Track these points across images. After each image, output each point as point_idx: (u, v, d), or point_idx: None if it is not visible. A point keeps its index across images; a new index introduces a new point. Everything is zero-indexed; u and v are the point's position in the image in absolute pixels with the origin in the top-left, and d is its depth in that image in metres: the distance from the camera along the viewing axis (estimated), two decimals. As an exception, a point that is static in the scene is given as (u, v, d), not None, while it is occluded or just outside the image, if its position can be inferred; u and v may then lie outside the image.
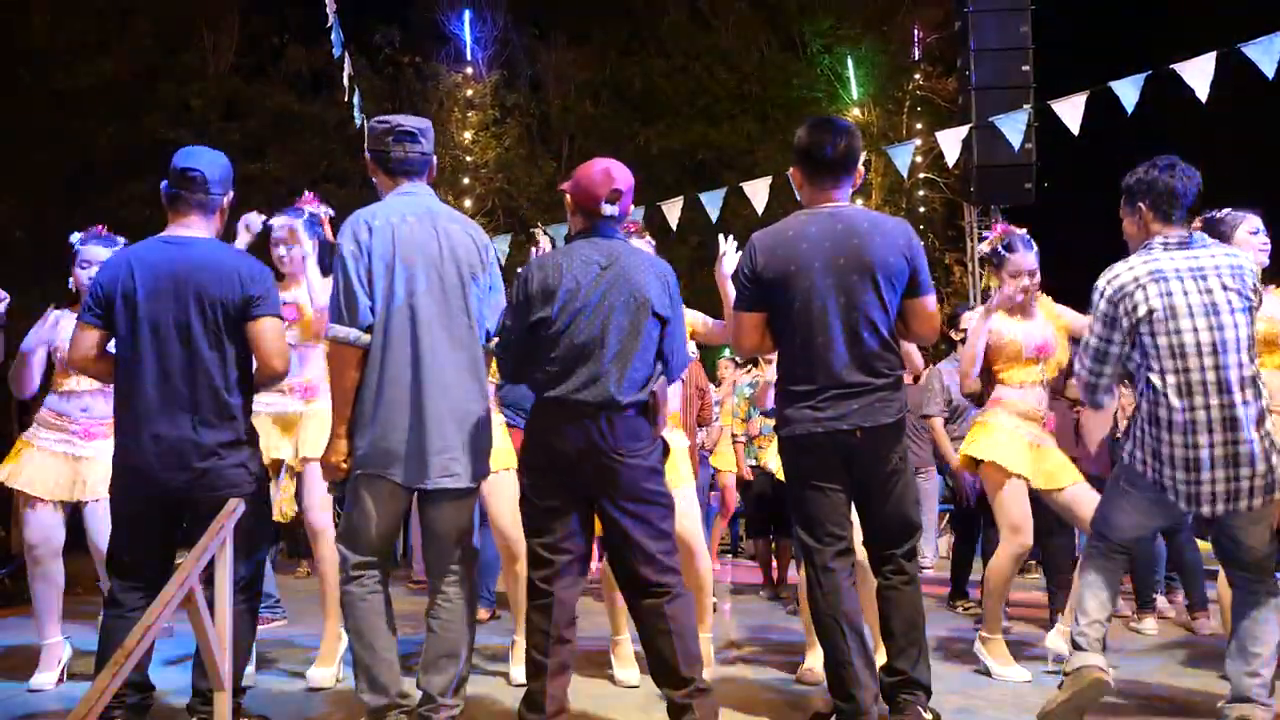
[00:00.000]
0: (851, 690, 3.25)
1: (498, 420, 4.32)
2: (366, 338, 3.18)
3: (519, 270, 3.40)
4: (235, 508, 2.96)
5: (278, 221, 4.27)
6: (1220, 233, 3.89)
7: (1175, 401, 3.19)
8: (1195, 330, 3.19)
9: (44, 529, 4.21)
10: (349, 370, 3.20)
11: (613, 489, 3.17)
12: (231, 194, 3.50)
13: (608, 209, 3.31)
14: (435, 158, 3.46)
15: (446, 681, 3.16)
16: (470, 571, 3.28)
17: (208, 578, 2.88)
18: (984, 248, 4.53)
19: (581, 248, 3.30)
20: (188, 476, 3.22)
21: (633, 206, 3.51)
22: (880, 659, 4.15)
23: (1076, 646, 3.41)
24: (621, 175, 3.35)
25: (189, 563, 2.66)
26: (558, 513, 3.23)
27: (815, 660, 4.16)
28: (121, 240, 4.35)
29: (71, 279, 4.33)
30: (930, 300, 3.41)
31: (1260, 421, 3.18)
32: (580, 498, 3.25)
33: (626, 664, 4.27)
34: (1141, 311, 3.24)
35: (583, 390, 3.17)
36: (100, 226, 4.48)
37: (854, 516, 3.48)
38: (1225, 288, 3.21)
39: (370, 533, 3.21)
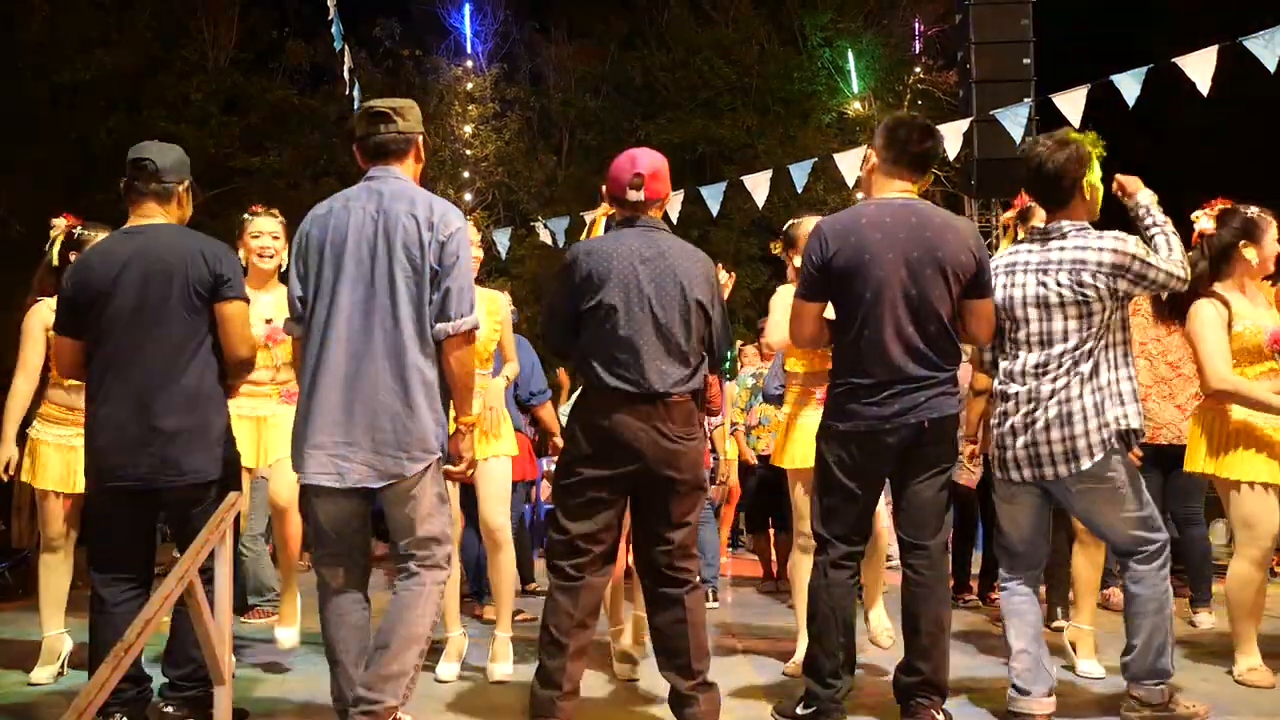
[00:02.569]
0: (829, 680, 3.29)
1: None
2: (295, 328, 3.18)
3: (566, 252, 3.37)
4: (235, 501, 2.96)
5: None
6: (1244, 229, 3.93)
7: (1004, 378, 3.42)
8: (1027, 321, 3.36)
9: (61, 521, 4.25)
10: (296, 360, 3.28)
11: (675, 472, 3.21)
12: (188, 181, 3.48)
13: (632, 195, 3.33)
14: (419, 136, 3.28)
15: (369, 674, 2.99)
16: (426, 568, 3.09)
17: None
18: (1010, 213, 4.57)
19: (628, 237, 3.30)
20: (150, 464, 3.21)
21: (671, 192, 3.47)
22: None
23: (1015, 687, 3.39)
24: (646, 161, 3.37)
25: (188, 557, 2.66)
26: (600, 504, 3.25)
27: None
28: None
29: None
30: (990, 303, 3.41)
31: (1062, 389, 3.27)
32: (625, 489, 3.27)
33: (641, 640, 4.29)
34: (998, 298, 3.43)
35: (646, 379, 3.18)
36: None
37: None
38: (1059, 282, 3.30)
39: (316, 528, 3.14)
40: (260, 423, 4.20)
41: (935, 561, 3.33)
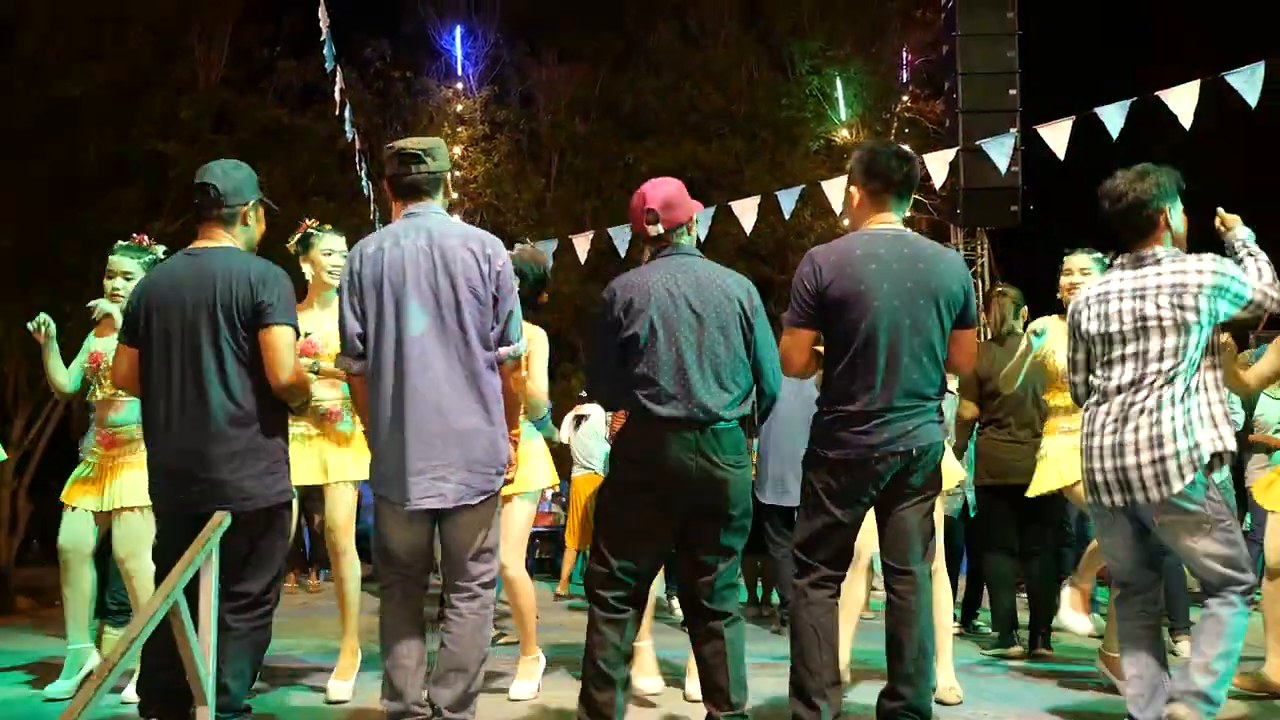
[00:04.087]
0: (817, 701, 3.27)
1: (527, 438, 4.34)
2: (356, 365, 3.27)
3: (605, 289, 3.40)
4: (221, 521, 2.96)
5: None
6: None
7: (1096, 398, 3.40)
8: (1124, 342, 3.34)
9: (73, 534, 4.28)
10: (357, 396, 3.37)
11: (724, 501, 3.23)
12: (252, 200, 3.47)
13: (653, 230, 3.39)
14: (447, 174, 3.44)
15: (453, 695, 3.18)
16: (486, 588, 3.29)
17: (227, 592, 3.04)
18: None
19: (663, 266, 3.35)
20: (200, 487, 3.22)
21: (695, 217, 3.49)
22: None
23: (1129, 715, 3.37)
24: (657, 194, 3.41)
25: (173, 575, 2.66)
26: (646, 536, 3.29)
27: None
28: (160, 249, 4.41)
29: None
30: (974, 333, 3.48)
31: (1152, 409, 3.24)
32: (671, 519, 3.28)
33: (648, 672, 4.28)
34: (1085, 327, 3.45)
35: (693, 407, 3.20)
36: (141, 236, 4.50)
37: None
38: (1159, 305, 3.29)
39: (391, 549, 3.27)
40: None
41: (919, 586, 3.33)
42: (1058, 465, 4.43)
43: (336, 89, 9.59)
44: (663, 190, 3.42)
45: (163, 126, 11.61)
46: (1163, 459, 3.21)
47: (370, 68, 16.27)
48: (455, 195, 16.39)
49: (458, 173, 16.59)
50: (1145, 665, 3.38)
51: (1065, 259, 4.57)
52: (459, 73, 17.57)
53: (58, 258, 8.40)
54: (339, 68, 9.52)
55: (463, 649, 3.21)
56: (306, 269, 4.34)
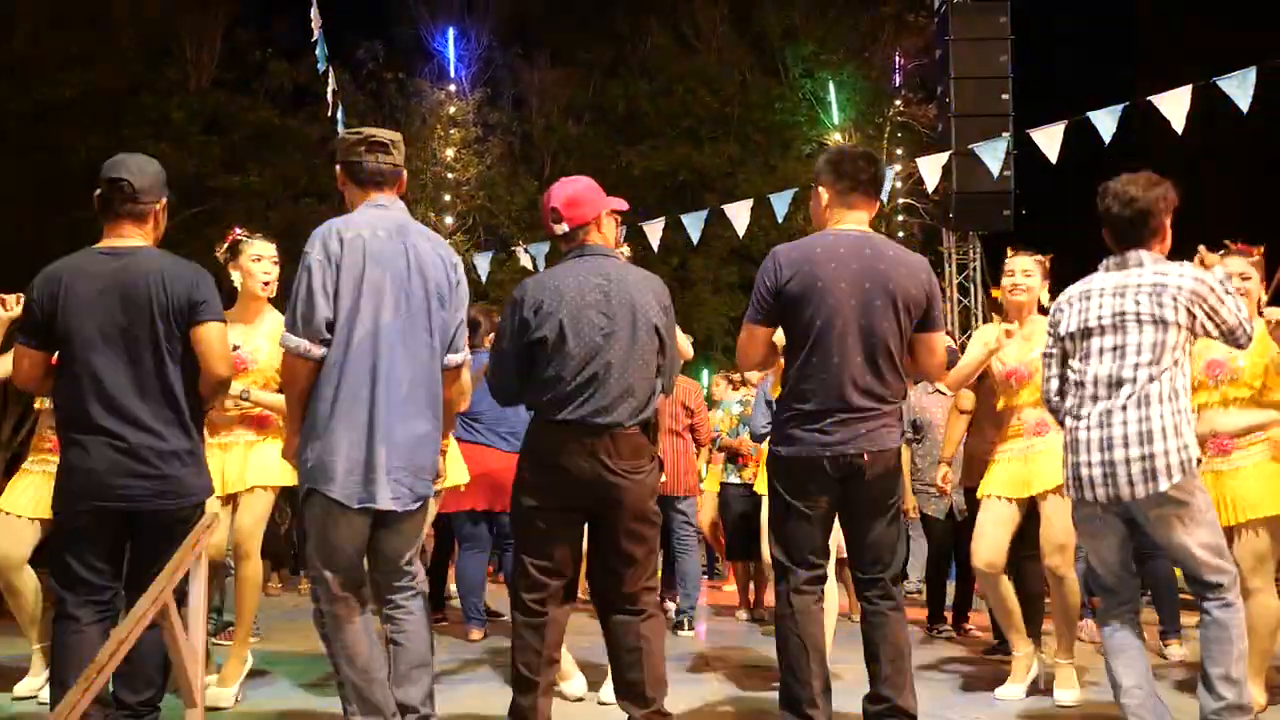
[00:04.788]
0: (809, 711, 3.26)
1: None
2: (319, 351, 3.08)
3: (515, 290, 3.38)
4: (210, 522, 2.95)
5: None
6: None
7: (1075, 396, 3.37)
8: (1102, 334, 3.33)
9: (12, 541, 4.19)
10: (300, 381, 3.12)
11: (618, 507, 3.21)
12: (164, 200, 3.39)
13: (557, 229, 3.38)
14: (405, 170, 3.38)
15: (422, 692, 3.15)
16: (422, 584, 3.26)
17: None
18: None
19: (577, 267, 3.32)
20: (146, 485, 3.14)
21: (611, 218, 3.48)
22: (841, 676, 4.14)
23: None
24: (560, 192, 3.39)
25: (164, 577, 2.64)
26: (558, 536, 3.25)
27: None
28: None
29: None
30: (940, 336, 3.46)
31: (1139, 404, 3.24)
32: (579, 519, 3.28)
33: (566, 675, 4.26)
34: (1065, 325, 3.43)
35: (591, 412, 3.19)
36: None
37: (835, 539, 3.48)
38: (1138, 301, 3.29)
39: (344, 553, 3.11)
40: (223, 450, 4.15)
41: (889, 592, 3.35)
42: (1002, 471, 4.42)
43: (329, 91, 9.59)
44: (568, 189, 3.41)
45: (155, 128, 11.60)
46: (1151, 456, 3.22)
47: (363, 69, 16.26)
48: (448, 197, 16.39)
49: (450, 175, 16.58)
50: (1141, 675, 3.37)
51: (1008, 260, 4.53)
52: (452, 75, 17.56)
53: (50, 259, 8.37)
54: (331, 69, 9.52)
55: (419, 644, 3.18)
56: (236, 276, 4.22)
